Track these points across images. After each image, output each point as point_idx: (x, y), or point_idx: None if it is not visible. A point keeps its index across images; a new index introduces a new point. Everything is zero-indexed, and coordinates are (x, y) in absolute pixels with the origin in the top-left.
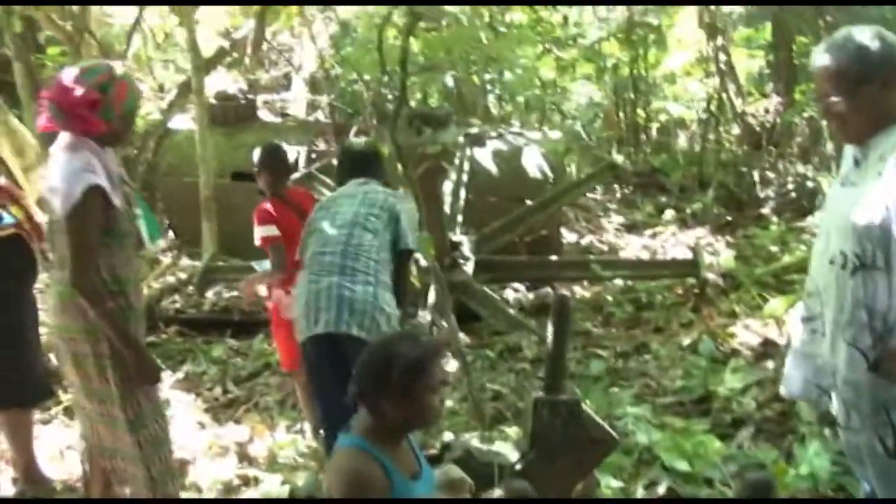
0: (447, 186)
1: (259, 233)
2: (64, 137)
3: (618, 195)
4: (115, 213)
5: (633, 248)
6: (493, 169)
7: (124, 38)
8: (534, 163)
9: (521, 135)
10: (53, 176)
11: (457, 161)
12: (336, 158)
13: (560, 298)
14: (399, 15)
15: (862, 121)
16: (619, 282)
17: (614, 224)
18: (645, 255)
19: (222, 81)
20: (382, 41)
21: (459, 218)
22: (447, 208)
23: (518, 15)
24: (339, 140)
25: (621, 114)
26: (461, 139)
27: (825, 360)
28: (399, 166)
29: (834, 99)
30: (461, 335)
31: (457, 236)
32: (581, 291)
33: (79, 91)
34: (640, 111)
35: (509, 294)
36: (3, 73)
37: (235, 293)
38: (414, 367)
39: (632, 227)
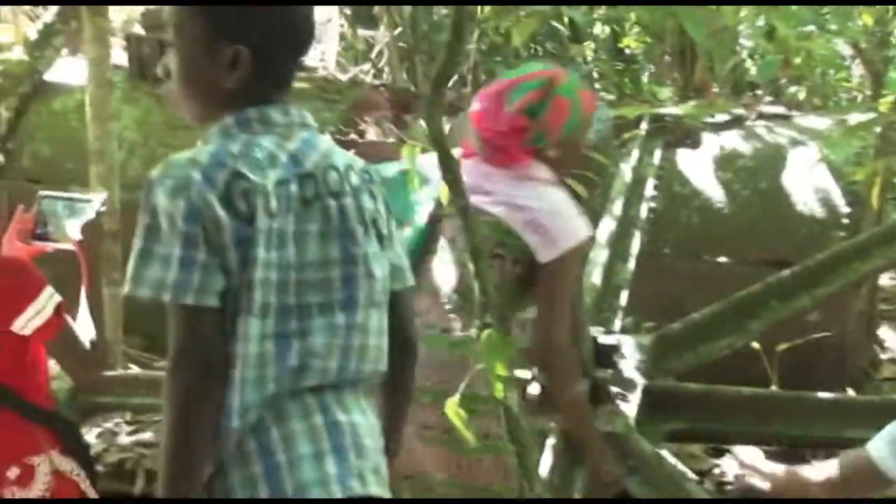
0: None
1: None
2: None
3: None
4: None
5: None
6: (717, 193)
7: None
8: (809, 183)
9: (784, 119)
10: (540, 209)
11: (625, 176)
12: None
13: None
14: None
15: None
16: None
17: None
18: None
19: None
20: None
21: (623, 296)
22: (595, 277)
23: None
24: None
25: None
26: (644, 129)
27: None
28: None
29: None
30: None
31: (609, 335)
32: None
33: (501, 115)
34: None
35: (729, 468)
36: None
37: None
38: None
39: None
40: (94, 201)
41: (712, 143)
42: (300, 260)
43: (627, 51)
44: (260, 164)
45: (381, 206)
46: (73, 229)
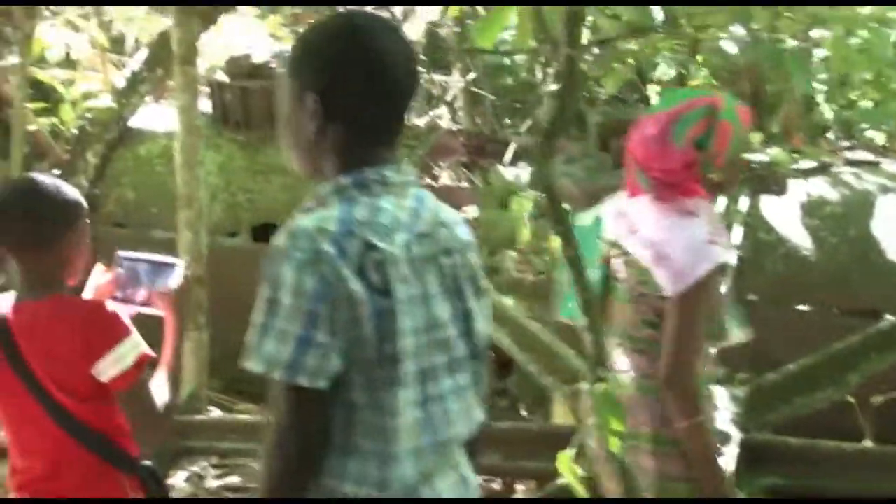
0: None
1: None
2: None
3: None
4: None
5: None
6: (804, 241)
7: None
8: None
9: (872, 165)
10: (668, 242)
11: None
12: None
13: None
14: None
15: None
16: None
17: None
18: None
19: (245, 38)
20: None
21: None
22: None
23: None
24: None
25: None
26: None
27: None
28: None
29: None
30: None
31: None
32: None
33: (670, 152)
34: None
35: None
36: None
37: None
38: None
39: None
40: (178, 266)
41: (798, 190)
42: (427, 322)
43: None
44: (388, 231)
45: (478, 260)
46: (157, 293)
